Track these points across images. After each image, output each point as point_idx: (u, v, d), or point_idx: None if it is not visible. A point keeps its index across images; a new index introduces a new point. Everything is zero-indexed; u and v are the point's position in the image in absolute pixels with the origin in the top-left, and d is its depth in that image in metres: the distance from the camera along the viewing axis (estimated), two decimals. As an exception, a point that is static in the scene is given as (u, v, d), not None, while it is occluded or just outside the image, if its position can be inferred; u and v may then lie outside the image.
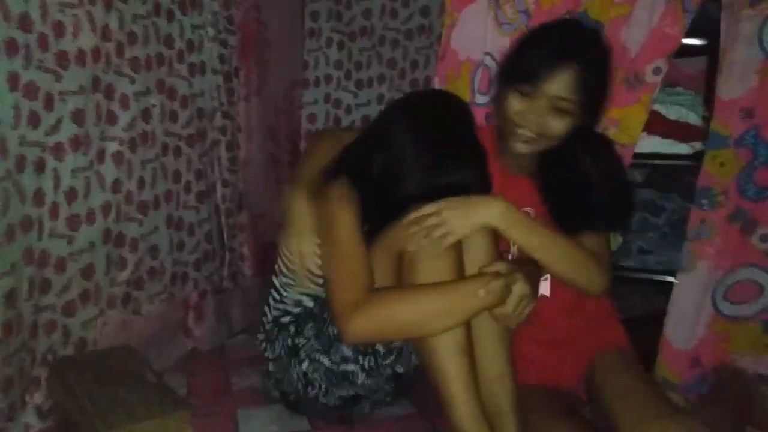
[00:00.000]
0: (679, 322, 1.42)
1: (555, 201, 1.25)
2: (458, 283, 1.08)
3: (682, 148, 1.48)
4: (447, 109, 1.21)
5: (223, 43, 1.74)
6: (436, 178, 1.13)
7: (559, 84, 1.15)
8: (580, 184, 1.22)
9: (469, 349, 1.07)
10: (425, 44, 2.05)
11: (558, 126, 1.18)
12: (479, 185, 1.16)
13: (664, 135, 1.48)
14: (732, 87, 1.33)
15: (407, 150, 1.15)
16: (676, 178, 1.60)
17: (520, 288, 1.06)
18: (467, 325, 1.08)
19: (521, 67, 1.20)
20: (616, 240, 1.62)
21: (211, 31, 1.69)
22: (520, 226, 1.13)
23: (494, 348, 1.14)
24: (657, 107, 1.52)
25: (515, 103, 1.20)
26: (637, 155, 1.49)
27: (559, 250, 1.15)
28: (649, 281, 1.52)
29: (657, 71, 1.43)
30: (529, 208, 1.26)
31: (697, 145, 1.48)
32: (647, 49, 1.43)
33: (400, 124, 1.18)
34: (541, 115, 1.17)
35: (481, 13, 1.54)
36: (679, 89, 1.62)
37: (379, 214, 1.14)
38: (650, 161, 1.53)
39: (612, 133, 1.48)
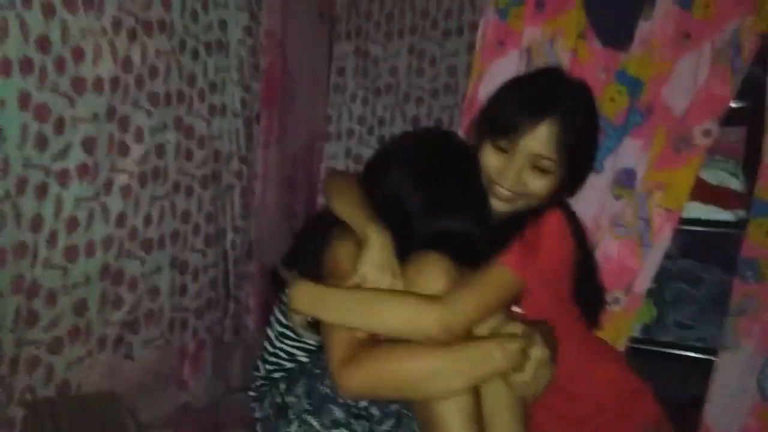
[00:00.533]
0: (720, 407, 1.28)
1: None
2: (470, 342, 0.97)
3: (725, 216, 1.39)
4: (446, 151, 1.14)
5: (247, 88, 1.72)
6: (430, 225, 1.05)
7: (538, 141, 1.05)
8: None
9: (478, 418, 0.95)
10: (450, 103, 2.02)
11: (537, 185, 1.08)
12: (477, 234, 1.07)
13: (705, 200, 1.39)
14: (777, 151, 1.25)
15: (402, 193, 1.08)
16: (717, 247, 1.49)
17: (539, 352, 0.95)
18: (476, 392, 0.96)
19: (498, 120, 1.11)
20: (651, 312, 1.50)
21: (235, 75, 1.67)
22: (323, 306, 1.00)
23: (507, 419, 1.01)
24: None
25: (492, 159, 1.10)
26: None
27: (370, 312, 0.98)
28: (687, 359, 1.39)
29: (707, 133, 1.36)
30: None
31: (741, 213, 1.39)
32: (695, 110, 1.37)
33: (397, 165, 1.12)
34: (519, 173, 1.08)
35: (512, 66, 1.51)
36: (719, 157, 1.55)
37: None
38: (690, 228, 1.43)
39: (658, 197, 1.40)
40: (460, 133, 1.61)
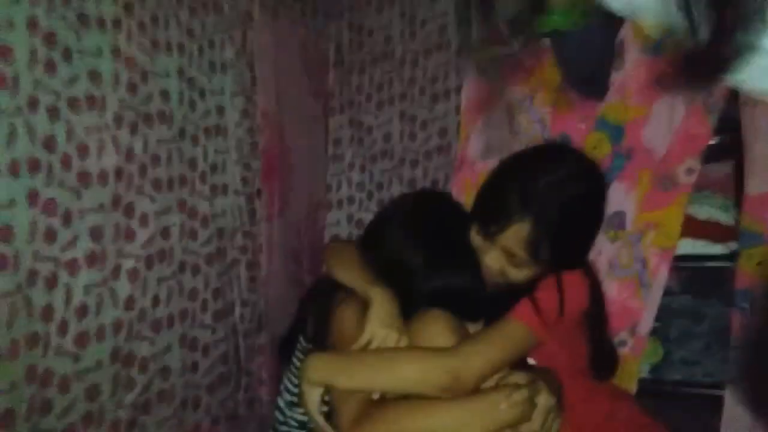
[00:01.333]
0: (736, 442, 1.26)
1: None
2: (475, 395, 0.99)
3: (717, 249, 1.40)
4: (442, 211, 1.20)
5: (247, 167, 1.80)
6: (431, 282, 1.10)
7: (509, 240, 1.07)
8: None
9: None
10: (444, 162, 2.08)
11: (516, 275, 1.11)
12: (476, 289, 1.11)
13: (696, 236, 1.41)
14: (759, 182, 1.28)
15: (403, 253, 1.14)
16: (715, 281, 1.50)
17: (545, 400, 0.97)
18: None
19: (477, 211, 1.16)
20: (658, 351, 1.49)
21: (234, 155, 1.75)
22: (339, 374, 1.01)
23: None
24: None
25: (476, 241, 1.15)
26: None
27: (384, 371, 1.01)
28: (697, 396, 1.37)
29: (690, 171, 1.41)
30: None
31: (733, 246, 1.40)
32: (676, 150, 1.42)
33: (396, 227, 1.18)
34: (496, 262, 1.11)
35: (497, 122, 1.57)
36: (708, 192, 1.58)
37: None
38: (685, 264, 1.45)
39: (651, 237, 1.43)
40: (453, 189, 1.67)
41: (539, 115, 1.54)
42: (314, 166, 2.19)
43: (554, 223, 1.05)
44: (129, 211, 1.39)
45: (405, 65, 2.17)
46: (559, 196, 1.06)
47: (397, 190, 2.15)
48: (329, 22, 2.27)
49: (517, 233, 1.06)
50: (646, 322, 1.39)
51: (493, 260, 1.11)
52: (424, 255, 1.12)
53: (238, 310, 1.74)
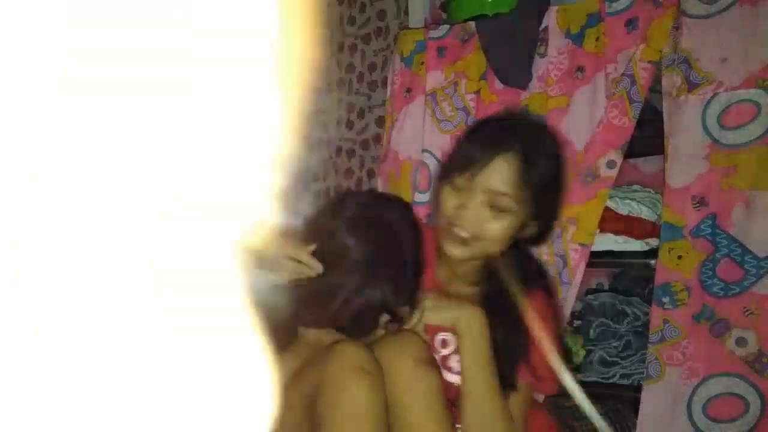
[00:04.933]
0: (651, 441, 1.22)
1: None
2: None
3: (635, 245, 1.35)
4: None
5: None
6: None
7: (494, 176, 1.00)
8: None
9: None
10: (379, 153, 2.02)
11: (495, 227, 1.02)
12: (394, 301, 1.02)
13: (616, 231, 1.36)
14: (680, 174, 1.24)
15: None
16: (643, 281, 1.45)
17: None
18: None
19: (455, 159, 1.09)
20: (579, 353, 1.44)
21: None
22: (474, 344, 1.02)
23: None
24: (607, 203, 1.41)
25: (450, 198, 1.05)
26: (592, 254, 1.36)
27: (485, 395, 1.01)
28: (616, 397, 1.33)
29: (611, 164, 1.35)
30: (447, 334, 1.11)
31: (654, 242, 1.36)
32: (598, 142, 1.35)
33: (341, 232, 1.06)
34: (476, 212, 1.02)
35: (419, 111, 1.51)
36: (637, 187, 1.54)
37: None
38: (602, 260, 1.40)
39: (571, 232, 1.37)
40: (379, 180, 1.61)
41: (463, 103, 1.47)
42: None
43: (542, 159, 1.04)
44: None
45: (343, 51, 2.10)
46: (543, 130, 1.10)
47: (332, 181, 2.08)
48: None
49: (503, 165, 1.00)
50: (564, 319, 1.34)
51: (471, 209, 1.02)
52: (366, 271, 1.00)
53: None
